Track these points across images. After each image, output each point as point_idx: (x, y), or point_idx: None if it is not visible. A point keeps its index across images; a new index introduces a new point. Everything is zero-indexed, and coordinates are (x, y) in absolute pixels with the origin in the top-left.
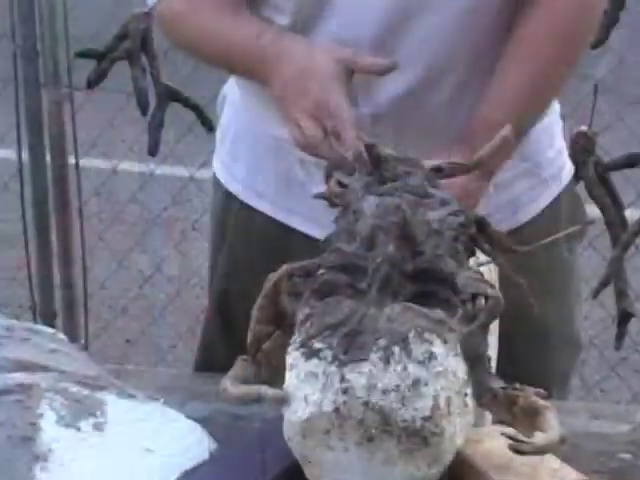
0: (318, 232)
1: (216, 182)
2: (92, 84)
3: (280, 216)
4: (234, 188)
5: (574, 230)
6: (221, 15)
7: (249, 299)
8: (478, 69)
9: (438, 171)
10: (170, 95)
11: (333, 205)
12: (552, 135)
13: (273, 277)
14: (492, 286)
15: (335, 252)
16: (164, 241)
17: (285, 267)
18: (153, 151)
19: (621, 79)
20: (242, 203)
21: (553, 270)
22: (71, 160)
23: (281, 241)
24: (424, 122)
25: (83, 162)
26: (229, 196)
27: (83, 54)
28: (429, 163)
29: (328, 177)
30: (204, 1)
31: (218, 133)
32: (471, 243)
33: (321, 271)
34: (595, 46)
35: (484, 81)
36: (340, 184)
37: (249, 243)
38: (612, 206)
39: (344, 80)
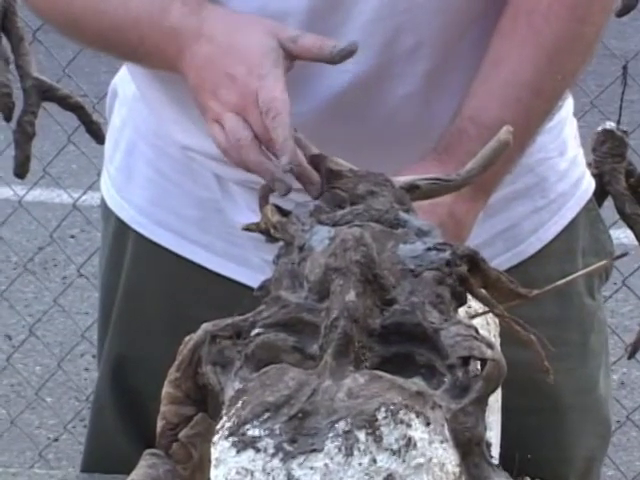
0: (246, 276)
1: (105, 210)
2: None
3: (190, 253)
4: (128, 216)
5: (597, 267)
6: None
7: (154, 366)
8: (453, 55)
9: (413, 190)
10: (43, 93)
11: (270, 239)
12: (563, 139)
13: (190, 340)
14: (490, 345)
15: (275, 304)
16: (39, 293)
17: (206, 326)
18: (21, 171)
19: None
20: (139, 236)
21: (568, 321)
22: None
23: (194, 286)
24: (381, 123)
25: None
26: (122, 227)
27: None
28: (401, 180)
29: (263, 200)
30: None
31: (107, 142)
32: (461, 287)
33: (256, 330)
34: (622, 13)
35: (464, 70)
36: (280, 210)
37: (150, 290)
38: None
39: (281, 64)
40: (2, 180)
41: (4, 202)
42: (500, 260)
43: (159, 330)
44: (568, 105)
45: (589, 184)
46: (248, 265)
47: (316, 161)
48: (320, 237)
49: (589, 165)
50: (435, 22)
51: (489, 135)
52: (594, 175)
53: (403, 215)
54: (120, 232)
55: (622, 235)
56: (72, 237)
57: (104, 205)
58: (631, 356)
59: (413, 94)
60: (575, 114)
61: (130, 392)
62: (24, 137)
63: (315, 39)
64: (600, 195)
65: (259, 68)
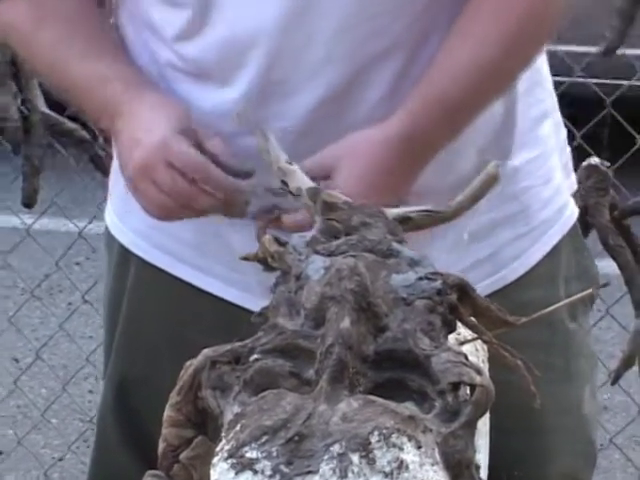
0: (246, 300)
1: (109, 237)
2: None
3: (190, 277)
4: (128, 240)
5: (582, 296)
6: (71, 35)
7: (156, 387)
8: (421, 57)
9: (405, 221)
10: (50, 127)
11: (268, 268)
12: (549, 168)
13: (191, 365)
14: (479, 371)
15: (273, 330)
16: (45, 318)
17: (206, 351)
18: (29, 201)
19: None
20: (140, 259)
21: (553, 346)
22: None
23: (194, 309)
24: (356, 130)
25: None
26: (124, 252)
27: None
28: (393, 212)
29: (261, 231)
30: (51, 11)
31: (111, 172)
32: (451, 315)
33: (254, 356)
34: (607, 52)
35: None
36: (278, 241)
37: (151, 312)
38: (634, 261)
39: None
40: (10, 209)
41: (12, 230)
42: (483, 285)
43: (160, 352)
44: (559, 135)
45: (573, 211)
46: (248, 289)
47: (312, 194)
48: (316, 266)
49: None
50: (400, 26)
51: (442, 108)
52: (579, 208)
53: (396, 246)
54: (122, 257)
55: (605, 265)
56: (77, 264)
57: (107, 232)
58: (614, 382)
59: (384, 99)
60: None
61: (132, 412)
62: (32, 170)
63: (217, 144)
64: (585, 227)
65: (164, 132)
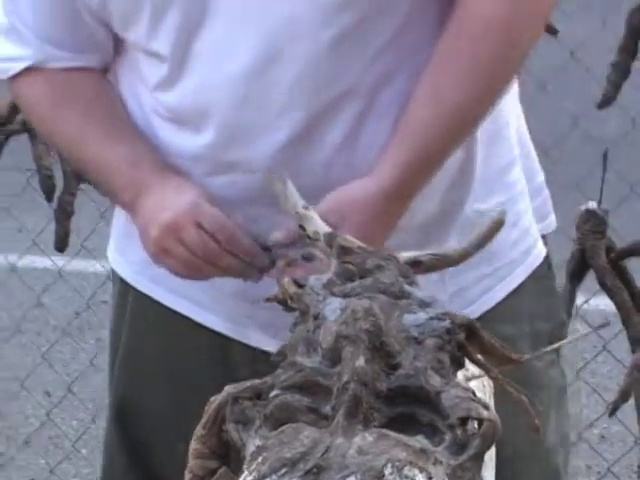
0: (236, 332)
1: (113, 272)
2: None
3: (186, 309)
4: (126, 274)
5: (583, 335)
6: (92, 117)
7: (153, 415)
8: (379, 101)
9: (416, 264)
10: (80, 175)
11: (287, 309)
12: (516, 212)
13: (215, 400)
14: (486, 406)
15: (291, 368)
16: (76, 354)
17: (229, 388)
18: (61, 245)
19: (635, 145)
20: (138, 292)
21: (515, 380)
22: None
23: (188, 340)
24: (318, 171)
25: None
26: (123, 285)
27: None
28: (404, 255)
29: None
30: (70, 91)
31: (115, 212)
32: (459, 353)
33: (275, 392)
34: (602, 105)
35: (389, 117)
36: (296, 283)
37: (149, 342)
38: (630, 301)
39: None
40: (44, 252)
41: (45, 271)
42: None
43: (157, 381)
44: (532, 181)
45: (539, 252)
46: (241, 323)
47: (328, 238)
48: (333, 307)
49: (573, 241)
50: (356, 71)
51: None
52: (578, 250)
53: (407, 287)
54: (122, 289)
55: (602, 303)
56: (105, 303)
57: (112, 267)
58: (612, 413)
59: (345, 141)
60: (559, 193)
61: (132, 438)
62: (64, 215)
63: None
64: (582, 268)
65: (192, 196)
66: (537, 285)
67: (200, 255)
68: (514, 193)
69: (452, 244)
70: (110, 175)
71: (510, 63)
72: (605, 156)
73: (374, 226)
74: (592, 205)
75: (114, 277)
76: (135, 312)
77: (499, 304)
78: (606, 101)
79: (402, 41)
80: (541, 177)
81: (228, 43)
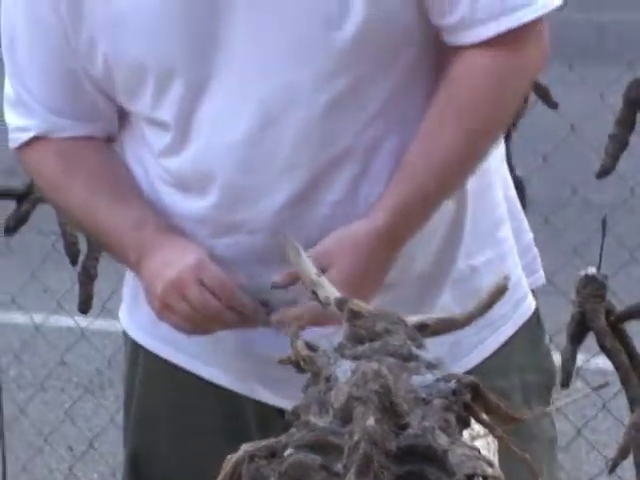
0: (239, 386)
1: (124, 332)
2: (11, 230)
3: (192, 367)
4: (136, 334)
5: (582, 395)
6: (98, 185)
7: (164, 466)
8: (375, 163)
9: (423, 328)
10: None
11: (300, 370)
12: (507, 266)
13: (232, 458)
14: (491, 464)
15: (305, 427)
16: (97, 410)
17: (245, 446)
18: (85, 307)
19: (633, 211)
20: (147, 351)
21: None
22: None
23: (197, 396)
24: (315, 231)
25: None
26: (134, 344)
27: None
28: (412, 319)
29: (294, 337)
30: (78, 162)
31: (126, 275)
32: (465, 413)
33: (288, 451)
34: (600, 175)
35: (384, 179)
36: (309, 346)
37: (159, 398)
38: (629, 362)
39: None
40: (67, 312)
41: (68, 331)
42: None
43: (170, 433)
44: (521, 239)
45: (529, 305)
46: (245, 378)
47: (339, 303)
48: (344, 369)
49: (573, 303)
50: (352, 133)
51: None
52: (578, 313)
53: (415, 350)
54: (133, 348)
55: (601, 362)
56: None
57: (123, 328)
58: (612, 470)
59: (344, 199)
60: (560, 258)
61: None
62: (87, 278)
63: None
64: (583, 330)
65: (195, 255)
66: (527, 337)
67: (202, 311)
68: (504, 249)
69: (446, 299)
70: (117, 238)
71: (497, 123)
72: (604, 222)
73: (366, 266)
74: (591, 270)
75: (125, 337)
76: (146, 370)
77: (491, 356)
78: (604, 171)
79: (394, 106)
80: (530, 236)
81: (228, 110)
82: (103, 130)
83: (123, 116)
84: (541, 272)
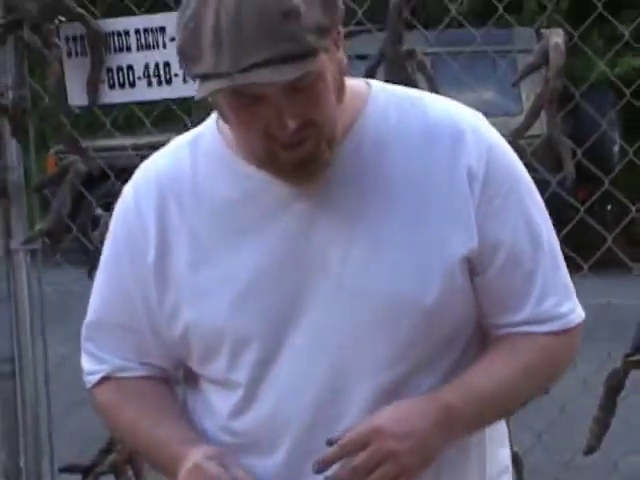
0: None
1: None
2: None
3: None
4: None
5: None
6: (143, 410)
7: None
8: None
9: None
10: None
11: None
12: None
13: None
14: None
15: None
16: None
17: None
18: None
19: None
20: None
21: None
22: None
23: None
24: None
25: None
26: None
27: (67, 469)
28: None
29: None
30: (131, 392)
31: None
32: None
33: None
34: (588, 452)
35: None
36: None
37: None
38: None
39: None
40: None
41: None
42: None
43: None
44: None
45: None
46: None
47: None
48: None
49: None
50: (362, 387)
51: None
52: None
53: None
54: None
55: None
56: None
57: None
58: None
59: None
60: None
61: None
62: None
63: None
64: None
65: (194, 458)
66: None
67: None
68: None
69: None
70: (157, 456)
71: (541, 386)
72: None
73: (413, 417)
74: None
75: None
76: None
77: None
78: (589, 450)
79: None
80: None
81: (299, 374)
82: (161, 373)
83: (187, 378)
84: None
